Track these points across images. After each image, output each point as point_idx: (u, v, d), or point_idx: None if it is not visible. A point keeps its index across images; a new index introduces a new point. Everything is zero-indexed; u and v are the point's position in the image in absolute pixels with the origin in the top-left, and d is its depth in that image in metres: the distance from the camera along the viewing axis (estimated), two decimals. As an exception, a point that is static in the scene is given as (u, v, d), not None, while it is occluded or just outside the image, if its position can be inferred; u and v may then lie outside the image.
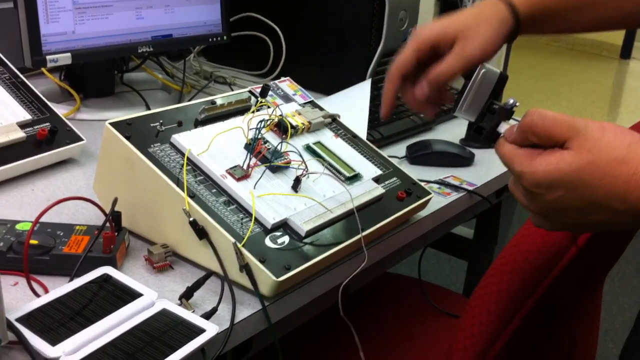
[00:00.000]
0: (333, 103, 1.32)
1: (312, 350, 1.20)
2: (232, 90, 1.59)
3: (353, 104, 1.38)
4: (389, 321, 1.26)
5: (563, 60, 6.20)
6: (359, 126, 1.25)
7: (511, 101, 0.77)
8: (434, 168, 1.27)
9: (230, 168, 0.91)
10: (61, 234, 0.88)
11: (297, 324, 0.97)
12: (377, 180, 1.03)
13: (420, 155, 1.28)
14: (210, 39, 1.56)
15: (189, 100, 1.49)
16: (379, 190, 1.00)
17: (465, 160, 1.29)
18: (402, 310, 1.30)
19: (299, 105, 1.12)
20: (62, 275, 0.84)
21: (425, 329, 1.17)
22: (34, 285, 0.82)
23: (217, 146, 0.94)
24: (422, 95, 0.87)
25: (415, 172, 1.19)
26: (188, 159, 0.91)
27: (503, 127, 0.75)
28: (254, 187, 0.90)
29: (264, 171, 0.93)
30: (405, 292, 1.35)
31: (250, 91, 1.11)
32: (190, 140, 0.93)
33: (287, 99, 1.13)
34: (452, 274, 2.58)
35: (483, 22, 0.86)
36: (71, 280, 0.82)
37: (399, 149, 1.34)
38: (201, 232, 0.84)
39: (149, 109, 1.44)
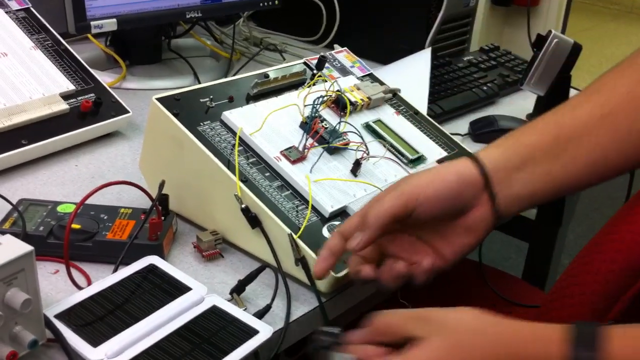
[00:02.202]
0: (390, 74, 1.24)
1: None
2: (283, 58, 1.52)
3: (412, 76, 1.29)
4: (448, 305, 1.18)
5: (621, 23, 5.97)
6: (419, 100, 1.16)
7: (336, 331, 0.65)
8: (500, 147, 1.18)
9: (285, 149, 0.85)
10: (105, 217, 0.83)
11: (352, 319, 0.90)
12: (441, 162, 0.95)
13: (485, 132, 1.19)
14: (261, 4, 1.48)
15: (239, 69, 1.42)
16: (444, 174, 0.92)
17: (534, 139, 1.20)
18: (461, 295, 1.23)
19: (357, 78, 1.04)
20: (105, 262, 0.79)
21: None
22: (76, 273, 0.77)
23: (270, 124, 0.87)
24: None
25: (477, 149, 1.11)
26: (240, 138, 0.84)
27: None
28: (310, 171, 0.83)
29: (322, 153, 0.85)
30: (464, 275, 1.27)
31: (305, 63, 1.03)
32: (242, 118, 0.86)
33: (344, 71, 1.06)
34: (511, 254, 2.48)
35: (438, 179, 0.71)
36: (115, 269, 0.76)
37: (461, 125, 1.25)
38: (254, 221, 0.78)
39: (196, 77, 1.37)
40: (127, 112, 1.11)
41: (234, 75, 1.39)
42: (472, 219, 0.69)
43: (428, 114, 1.08)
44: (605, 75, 0.75)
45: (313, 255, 0.75)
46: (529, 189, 0.70)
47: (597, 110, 0.71)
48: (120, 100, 1.12)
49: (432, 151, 0.95)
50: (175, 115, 0.84)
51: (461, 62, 1.46)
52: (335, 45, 1.53)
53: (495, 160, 0.69)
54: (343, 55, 1.10)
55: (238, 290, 0.75)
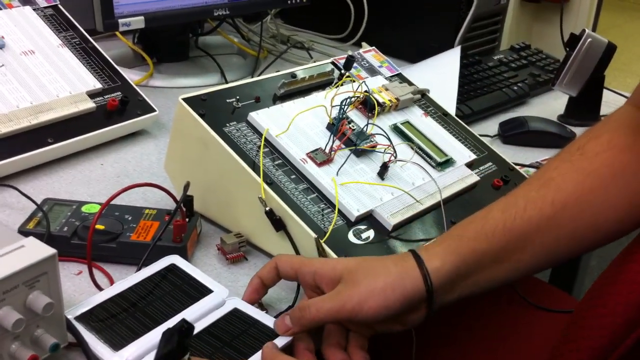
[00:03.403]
0: (418, 73, 1.22)
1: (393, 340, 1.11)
2: (311, 56, 1.51)
3: (440, 75, 1.27)
4: (474, 311, 1.17)
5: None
6: (448, 100, 1.15)
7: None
8: (530, 149, 1.16)
9: (311, 151, 0.83)
10: (129, 218, 0.82)
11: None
12: (470, 165, 0.93)
13: (515, 134, 1.17)
14: (289, 1, 1.47)
15: (266, 67, 1.41)
16: (473, 177, 0.91)
17: (566, 141, 1.16)
18: (487, 300, 1.20)
19: (386, 79, 1.02)
20: (129, 264, 0.79)
21: (513, 321, 1.07)
22: (99, 274, 0.77)
23: (296, 125, 0.86)
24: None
25: (510, 153, 1.09)
26: (266, 139, 0.83)
27: None
28: (337, 174, 0.82)
29: (349, 155, 0.84)
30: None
31: (333, 62, 1.02)
32: (268, 119, 0.85)
33: (372, 71, 1.04)
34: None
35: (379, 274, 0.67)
36: (138, 269, 0.75)
37: (490, 126, 1.23)
38: (278, 224, 0.77)
39: (223, 75, 1.37)
40: (154, 110, 1.11)
41: (261, 73, 1.38)
42: (403, 320, 0.68)
43: (456, 115, 1.07)
44: (558, 162, 0.73)
45: (338, 260, 0.74)
46: (468, 292, 0.69)
47: (546, 210, 0.69)
48: (147, 99, 1.11)
49: (461, 154, 0.93)
50: (201, 115, 0.83)
51: (491, 61, 1.44)
52: (363, 44, 1.52)
53: (444, 273, 0.66)
54: (371, 54, 1.08)
55: (261, 293, 0.74)
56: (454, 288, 0.67)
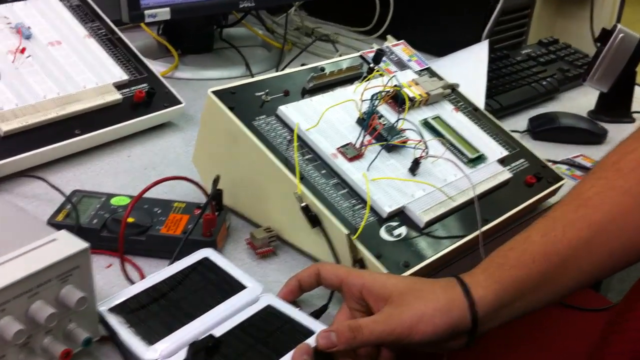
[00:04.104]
0: (445, 67, 1.20)
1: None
2: (336, 49, 1.50)
3: (469, 69, 1.26)
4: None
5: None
6: (476, 95, 1.13)
7: None
8: (561, 145, 1.14)
9: (342, 146, 0.82)
10: (159, 211, 0.81)
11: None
12: (502, 162, 0.92)
13: (546, 130, 1.15)
14: (314, -7, 1.46)
15: (291, 60, 1.40)
16: (505, 174, 0.89)
17: (597, 137, 1.15)
18: None
19: (415, 73, 1.01)
20: (157, 257, 0.78)
21: (541, 319, 1.06)
22: (129, 268, 0.76)
23: (326, 120, 0.85)
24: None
25: (540, 150, 1.07)
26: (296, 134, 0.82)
27: None
28: (368, 169, 0.81)
29: (380, 151, 0.83)
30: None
31: (361, 56, 1.00)
32: (298, 113, 0.84)
33: (401, 65, 1.03)
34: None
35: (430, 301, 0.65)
36: (171, 263, 0.75)
37: (519, 121, 1.22)
38: (314, 220, 0.76)
39: (248, 67, 1.36)
40: (180, 102, 1.10)
41: (287, 66, 1.37)
42: (442, 345, 0.67)
43: (485, 110, 1.05)
44: (594, 180, 0.71)
45: (371, 257, 0.73)
46: (509, 319, 0.68)
47: (584, 233, 0.68)
48: (173, 91, 1.11)
49: (493, 150, 0.92)
50: (231, 109, 0.82)
51: (519, 56, 1.42)
52: (389, 37, 1.50)
53: (487, 303, 0.65)
54: (400, 48, 1.07)
55: (293, 290, 0.73)
56: (496, 317, 0.66)
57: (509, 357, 0.94)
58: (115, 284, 0.74)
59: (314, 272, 0.70)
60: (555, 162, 1.05)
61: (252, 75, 1.34)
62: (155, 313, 0.66)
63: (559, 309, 1.06)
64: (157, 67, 1.25)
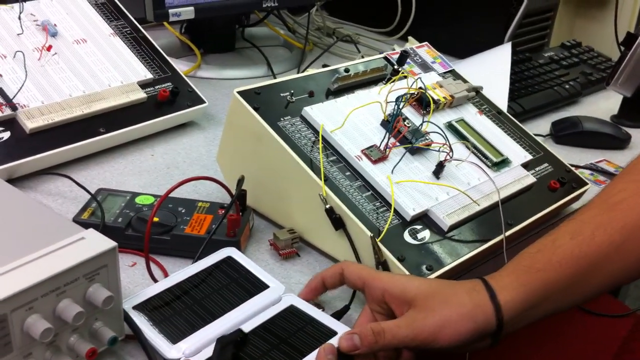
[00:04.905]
0: (468, 69, 1.20)
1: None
2: (359, 50, 1.50)
3: (491, 72, 1.25)
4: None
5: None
6: (499, 98, 1.13)
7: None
8: (584, 150, 1.14)
9: (366, 148, 0.82)
10: (183, 210, 0.82)
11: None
12: (526, 166, 0.91)
13: (568, 134, 1.15)
14: (337, -7, 1.46)
15: (313, 61, 1.40)
16: (529, 178, 0.89)
17: (620, 142, 1.15)
18: None
19: (439, 75, 1.01)
20: (181, 256, 0.78)
21: (566, 325, 1.06)
22: (153, 267, 0.76)
23: (350, 121, 0.85)
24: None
25: (563, 154, 1.06)
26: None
27: None
28: (392, 172, 0.81)
29: (404, 154, 0.83)
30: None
31: (385, 57, 1.00)
32: (322, 114, 0.84)
33: (425, 67, 1.03)
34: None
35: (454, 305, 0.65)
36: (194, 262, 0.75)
37: (542, 125, 1.21)
38: (338, 222, 0.76)
39: (270, 67, 1.36)
40: (203, 102, 1.10)
41: (309, 66, 1.37)
42: (466, 348, 0.66)
43: (508, 112, 1.05)
44: (624, 184, 0.71)
45: (394, 259, 0.73)
46: (533, 320, 0.67)
47: (616, 238, 0.67)
48: (197, 90, 1.11)
49: (517, 154, 0.91)
50: (256, 109, 0.82)
51: (542, 59, 1.41)
52: (410, 38, 1.50)
53: (513, 306, 0.64)
54: (424, 50, 1.07)
55: (316, 291, 0.73)
56: (521, 319, 0.65)
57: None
58: (139, 283, 0.75)
59: (338, 271, 0.70)
60: (578, 167, 1.04)
61: (274, 75, 1.34)
62: (178, 311, 0.66)
63: (579, 313, 1.05)
64: (180, 66, 1.25)
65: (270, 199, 0.85)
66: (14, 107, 0.92)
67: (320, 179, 0.77)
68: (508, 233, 0.81)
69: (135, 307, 0.66)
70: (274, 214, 0.86)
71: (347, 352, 0.63)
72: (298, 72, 1.35)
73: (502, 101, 1.13)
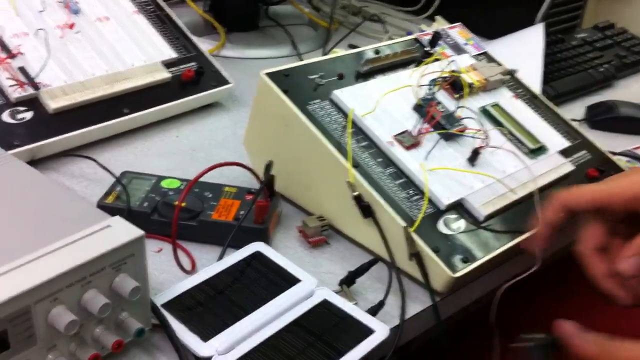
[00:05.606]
0: (498, 51, 1.17)
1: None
2: (386, 30, 1.46)
3: (523, 54, 1.22)
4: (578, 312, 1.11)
5: None
6: (532, 81, 1.09)
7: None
8: (620, 135, 1.10)
9: (399, 134, 0.79)
10: (209, 195, 0.79)
11: (458, 318, 0.85)
12: (563, 153, 0.88)
13: (604, 119, 1.11)
14: (364, -29, 1.42)
15: (340, 40, 1.37)
16: (567, 166, 0.86)
17: (658, 128, 1.11)
18: (576, 292, 1.14)
19: (472, 57, 0.97)
20: (207, 242, 0.76)
21: (622, 324, 1.02)
22: (180, 253, 0.74)
23: (381, 105, 0.82)
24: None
25: (598, 140, 1.03)
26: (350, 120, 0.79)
27: None
28: (425, 158, 0.78)
29: (438, 140, 0.80)
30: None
31: (416, 39, 0.97)
32: (352, 98, 0.81)
33: (457, 49, 0.99)
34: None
35: None
36: (222, 253, 0.73)
37: (574, 109, 1.17)
38: (366, 210, 0.73)
39: (295, 47, 1.33)
40: (228, 82, 1.08)
41: (334, 46, 1.34)
42: None
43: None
44: None
45: (429, 251, 0.70)
46: None
47: None
48: (222, 70, 1.08)
49: (554, 141, 0.88)
50: (285, 92, 0.79)
51: (574, 40, 1.37)
52: (438, 18, 1.46)
53: None
54: (457, 31, 1.03)
55: (348, 282, 0.71)
56: None
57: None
58: (165, 270, 0.73)
59: (559, 208, 0.64)
60: (614, 154, 1.01)
61: (300, 55, 1.31)
62: (208, 308, 0.64)
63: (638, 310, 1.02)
64: (203, 45, 1.22)
65: (299, 185, 0.83)
66: (36, 87, 0.90)
67: (349, 165, 0.74)
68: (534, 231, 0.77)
69: (164, 305, 0.64)
70: (303, 200, 0.83)
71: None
72: (323, 52, 1.32)
73: (535, 84, 1.09)
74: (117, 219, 0.60)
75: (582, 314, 1.01)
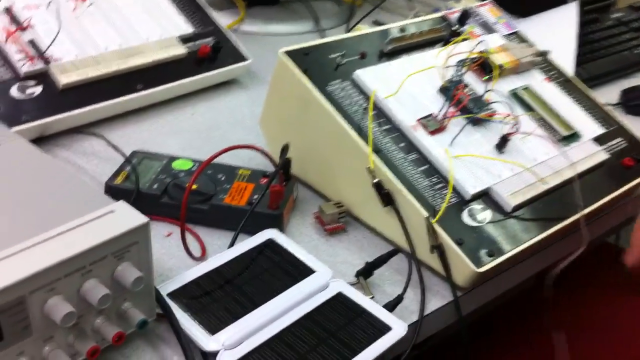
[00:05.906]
0: (529, 30, 1.11)
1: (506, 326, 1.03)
2: (412, 7, 1.41)
3: (556, 33, 1.16)
4: (592, 299, 1.07)
5: None
6: (565, 63, 1.04)
7: None
8: (656, 122, 1.04)
9: (423, 118, 0.75)
10: (222, 177, 0.76)
11: (482, 312, 0.81)
12: (597, 140, 0.83)
13: (640, 104, 1.06)
14: (390, -55, 1.37)
15: (364, 17, 1.32)
16: (601, 154, 0.81)
17: (697, 116, 1.05)
18: (608, 286, 1.10)
19: (502, 37, 0.92)
20: (218, 227, 0.73)
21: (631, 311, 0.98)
22: (189, 238, 0.71)
23: (405, 87, 0.77)
24: None
25: (633, 125, 0.98)
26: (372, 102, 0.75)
27: None
28: (450, 144, 0.74)
29: (465, 125, 0.76)
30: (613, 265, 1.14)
31: (444, 17, 0.92)
32: (375, 79, 0.77)
33: (487, 28, 0.94)
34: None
35: None
36: (234, 239, 0.69)
37: (607, 93, 1.12)
38: (386, 198, 0.69)
39: (317, 22, 1.28)
40: (246, 59, 1.04)
41: (358, 22, 1.29)
42: None
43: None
44: None
45: (452, 243, 0.66)
46: None
47: None
48: (240, 47, 1.04)
49: (587, 127, 0.83)
50: (304, 71, 0.75)
51: (609, 20, 1.31)
52: (467, -6, 1.40)
53: None
54: (486, 8, 0.98)
55: (365, 273, 0.67)
56: None
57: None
58: (174, 255, 0.69)
59: None
60: (651, 141, 0.95)
61: (322, 32, 1.26)
62: (217, 299, 0.61)
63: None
64: (222, 20, 1.18)
65: (317, 169, 0.79)
66: (46, 61, 0.87)
67: (369, 150, 0.70)
68: (578, 215, 0.73)
69: (170, 294, 0.61)
70: (320, 185, 0.79)
71: None
72: (347, 29, 1.28)
73: (568, 66, 1.04)
74: (121, 204, 0.56)
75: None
